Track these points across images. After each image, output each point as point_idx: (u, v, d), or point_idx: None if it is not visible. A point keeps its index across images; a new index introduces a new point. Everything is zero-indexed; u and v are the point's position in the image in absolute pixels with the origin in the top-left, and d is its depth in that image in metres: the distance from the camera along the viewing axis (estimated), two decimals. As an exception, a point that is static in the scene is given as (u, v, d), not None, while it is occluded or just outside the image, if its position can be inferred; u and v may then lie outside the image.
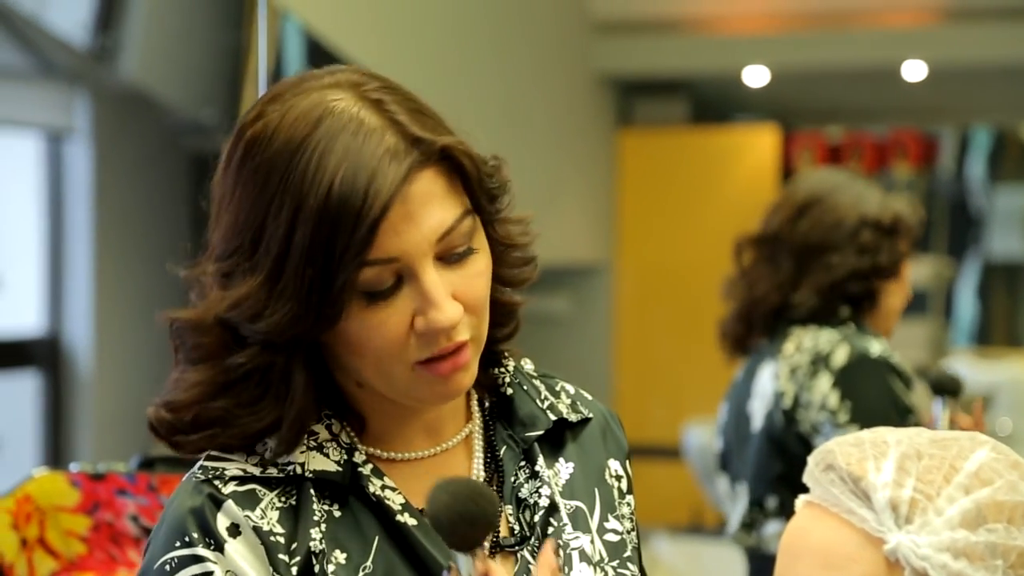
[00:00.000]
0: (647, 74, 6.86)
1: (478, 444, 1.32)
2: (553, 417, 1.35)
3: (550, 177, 6.35)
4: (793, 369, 2.56)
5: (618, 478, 1.38)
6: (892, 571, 1.03)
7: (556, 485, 1.32)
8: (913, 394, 2.54)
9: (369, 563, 1.22)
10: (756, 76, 6.73)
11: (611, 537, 1.33)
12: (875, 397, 2.51)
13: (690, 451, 5.83)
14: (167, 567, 1.19)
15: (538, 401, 1.35)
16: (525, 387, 1.36)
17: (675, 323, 6.83)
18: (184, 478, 1.25)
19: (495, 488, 1.31)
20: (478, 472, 1.31)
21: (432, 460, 1.30)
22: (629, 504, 1.38)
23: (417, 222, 1.18)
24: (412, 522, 1.23)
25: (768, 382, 2.61)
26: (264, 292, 1.18)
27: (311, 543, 1.21)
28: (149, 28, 4.66)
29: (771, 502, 2.58)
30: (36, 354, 4.90)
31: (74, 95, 4.84)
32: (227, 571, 1.18)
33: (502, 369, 1.35)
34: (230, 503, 1.21)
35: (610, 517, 1.34)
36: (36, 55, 4.70)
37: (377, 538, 1.23)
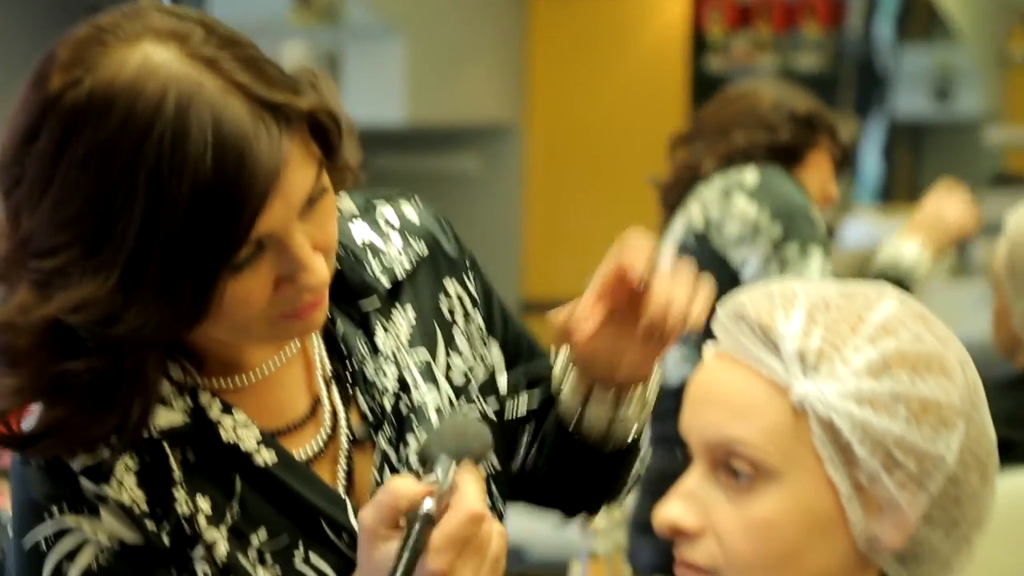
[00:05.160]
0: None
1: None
2: (388, 284, 1.28)
3: (456, 34, 6.28)
4: (704, 203, 2.65)
5: (459, 299, 1.33)
6: (798, 420, 1.05)
7: (401, 339, 1.27)
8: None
9: (235, 504, 1.18)
10: (667, -68, 6.66)
11: (456, 377, 1.30)
12: (794, 194, 2.65)
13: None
14: (41, 548, 1.14)
15: (367, 265, 1.28)
16: (354, 250, 1.28)
17: (586, 181, 6.82)
18: (15, 462, 1.17)
19: (342, 371, 1.26)
20: (321, 357, 1.26)
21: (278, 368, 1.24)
22: (475, 321, 1.33)
23: (285, 194, 1.10)
24: (272, 460, 1.19)
25: (678, 227, 2.70)
26: (120, 294, 1.07)
27: (177, 506, 1.16)
28: None
29: None
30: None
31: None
32: (104, 534, 1.13)
33: None
34: (83, 479, 1.14)
35: (451, 352, 1.30)
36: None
37: (238, 476, 1.19)
